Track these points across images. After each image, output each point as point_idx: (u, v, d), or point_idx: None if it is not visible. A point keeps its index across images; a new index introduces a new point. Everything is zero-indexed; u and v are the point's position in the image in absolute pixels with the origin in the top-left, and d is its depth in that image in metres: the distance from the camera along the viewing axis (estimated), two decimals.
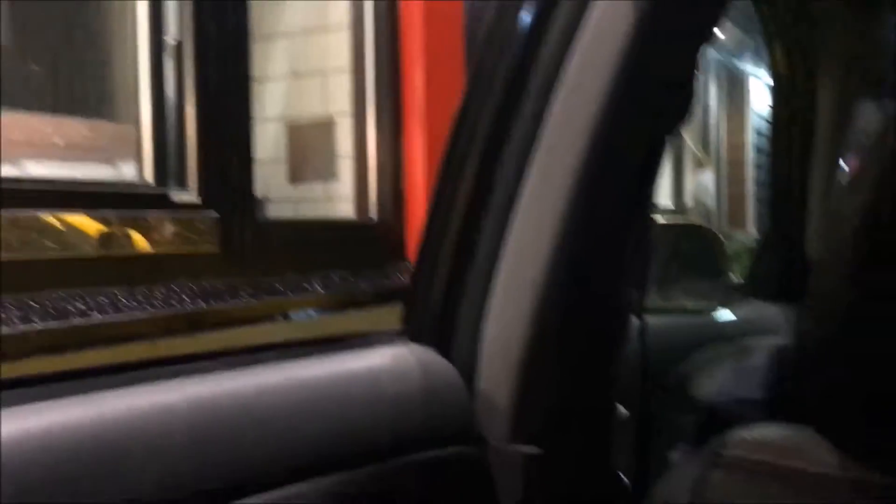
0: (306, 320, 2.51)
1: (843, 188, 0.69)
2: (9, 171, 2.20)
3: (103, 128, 2.52)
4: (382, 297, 2.65)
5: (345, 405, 0.76)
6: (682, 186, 7.01)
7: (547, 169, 0.82)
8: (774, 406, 1.10)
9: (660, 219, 1.47)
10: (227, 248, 2.52)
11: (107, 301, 2.06)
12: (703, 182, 7.39)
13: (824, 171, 1.55)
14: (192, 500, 0.64)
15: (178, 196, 2.46)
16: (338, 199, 3.38)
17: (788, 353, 1.15)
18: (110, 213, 2.24)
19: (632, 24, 0.79)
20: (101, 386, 0.68)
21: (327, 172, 3.40)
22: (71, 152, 2.42)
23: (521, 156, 0.84)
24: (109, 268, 2.20)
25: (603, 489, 0.86)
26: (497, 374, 0.82)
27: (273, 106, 3.50)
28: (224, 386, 0.72)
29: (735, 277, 1.68)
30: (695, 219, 6.61)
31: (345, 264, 2.86)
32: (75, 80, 2.49)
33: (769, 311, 1.49)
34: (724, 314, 1.50)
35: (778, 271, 1.59)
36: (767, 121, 1.71)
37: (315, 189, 3.46)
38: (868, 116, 1.51)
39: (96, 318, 1.98)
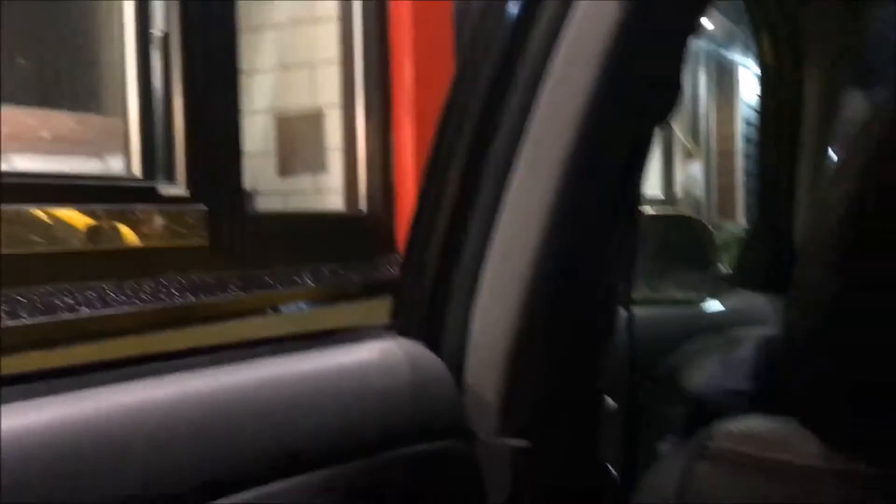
0: (296, 313, 2.51)
1: (829, 178, 0.69)
2: None
3: (90, 121, 2.50)
4: (372, 290, 2.65)
5: (333, 400, 0.76)
6: (672, 177, 7.03)
7: (534, 161, 0.82)
8: (762, 397, 1.11)
9: (649, 210, 1.47)
10: (215, 242, 2.51)
11: (95, 295, 2.05)
12: (692, 173, 7.41)
13: (812, 161, 1.56)
14: (190, 495, 0.65)
15: (167, 189, 2.45)
16: (327, 191, 3.37)
17: (776, 344, 1.16)
18: (98, 207, 2.23)
19: (618, 15, 0.79)
20: (98, 382, 0.68)
21: (316, 165, 3.39)
22: (58, 146, 2.40)
23: (509, 148, 0.84)
24: (97, 262, 2.19)
25: (591, 481, 0.86)
26: (485, 368, 0.82)
27: (262, 98, 3.49)
28: (220, 381, 0.72)
29: (724, 268, 1.68)
30: (684, 209, 6.64)
31: (334, 257, 2.86)
32: (62, 73, 2.47)
33: (758, 302, 1.50)
34: (713, 305, 1.50)
35: (767, 261, 1.60)
36: (757, 111, 1.71)
37: (304, 181, 3.45)
38: (854, 106, 1.51)
39: (85, 312, 1.97)
